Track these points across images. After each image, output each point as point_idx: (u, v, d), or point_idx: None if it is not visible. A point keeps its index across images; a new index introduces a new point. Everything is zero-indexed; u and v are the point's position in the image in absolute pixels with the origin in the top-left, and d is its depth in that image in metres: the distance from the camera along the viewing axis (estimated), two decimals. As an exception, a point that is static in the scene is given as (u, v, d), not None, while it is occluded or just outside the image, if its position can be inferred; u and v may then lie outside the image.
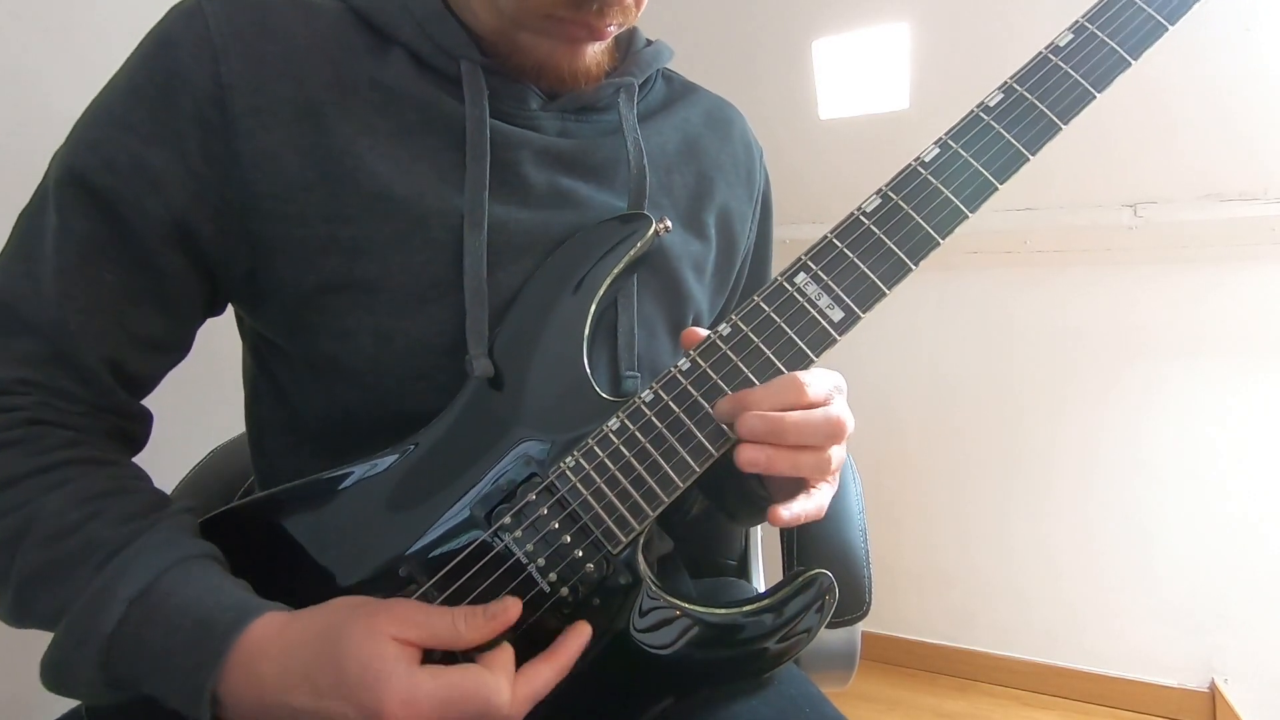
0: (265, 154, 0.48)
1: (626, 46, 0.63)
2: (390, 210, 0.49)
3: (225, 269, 0.51)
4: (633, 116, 0.58)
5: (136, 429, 0.52)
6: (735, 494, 0.62)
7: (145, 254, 0.48)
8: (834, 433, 0.46)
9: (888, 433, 1.66)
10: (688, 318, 0.61)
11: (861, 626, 0.67)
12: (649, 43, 0.64)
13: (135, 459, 0.51)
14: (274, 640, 0.40)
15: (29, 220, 0.48)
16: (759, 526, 0.89)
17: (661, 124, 0.62)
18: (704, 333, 0.50)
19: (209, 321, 0.56)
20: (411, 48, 0.52)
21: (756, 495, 0.58)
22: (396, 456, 0.50)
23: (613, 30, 0.52)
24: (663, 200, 0.60)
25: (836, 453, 0.47)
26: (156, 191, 0.47)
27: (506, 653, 0.42)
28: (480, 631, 0.42)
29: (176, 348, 0.53)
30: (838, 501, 0.74)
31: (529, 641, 0.45)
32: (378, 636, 0.39)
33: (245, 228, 0.49)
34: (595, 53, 0.55)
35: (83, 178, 0.46)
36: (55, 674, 0.41)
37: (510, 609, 0.44)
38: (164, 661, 0.40)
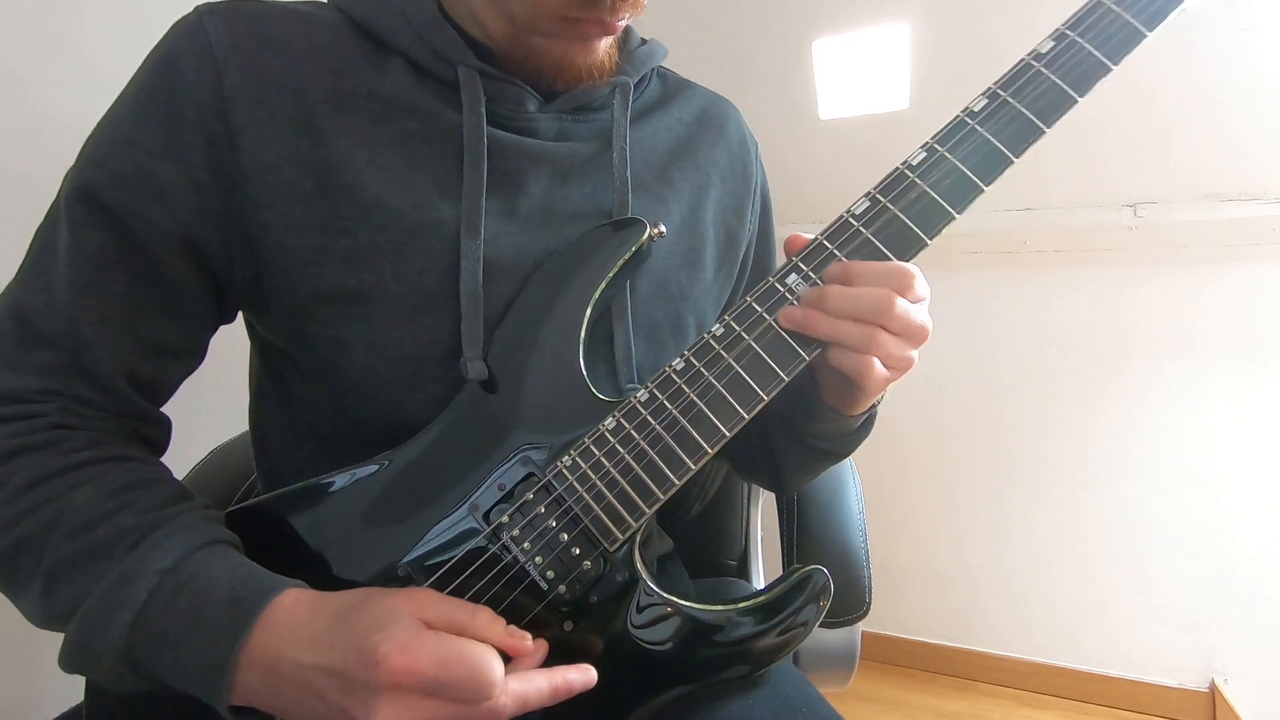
0: (266, 165, 0.49)
1: (621, 46, 0.63)
2: (385, 221, 0.50)
3: (231, 277, 0.51)
4: (624, 121, 0.59)
5: (156, 434, 0.53)
6: (788, 448, 0.63)
7: (155, 265, 0.49)
8: (882, 310, 0.47)
9: (887, 433, 1.65)
10: (688, 319, 0.61)
11: (861, 626, 0.67)
12: (643, 42, 0.64)
13: None
14: (303, 606, 0.41)
15: (42, 237, 0.49)
16: (759, 525, 0.90)
17: (656, 123, 0.63)
18: (809, 237, 0.51)
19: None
20: (409, 56, 0.53)
21: (807, 435, 0.59)
22: (395, 459, 0.51)
23: (624, 22, 0.53)
24: (666, 194, 0.61)
25: (893, 344, 0.48)
26: (163, 204, 0.48)
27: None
28: (492, 629, 0.42)
29: (190, 354, 0.54)
30: (837, 502, 0.75)
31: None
32: (394, 606, 0.40)
33: (247, 236, 0.50)
34: (607, 46, 0.56)
35: (92, 193, 0.47)
36: (78, 647, 0.41)
37: (527, 638, 0.44)
38: (190, 633, 0.40)
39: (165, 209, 0.48)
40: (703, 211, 0.63)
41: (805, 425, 0.58)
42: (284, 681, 0.40)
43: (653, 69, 0.64)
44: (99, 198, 0.47)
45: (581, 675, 0.44)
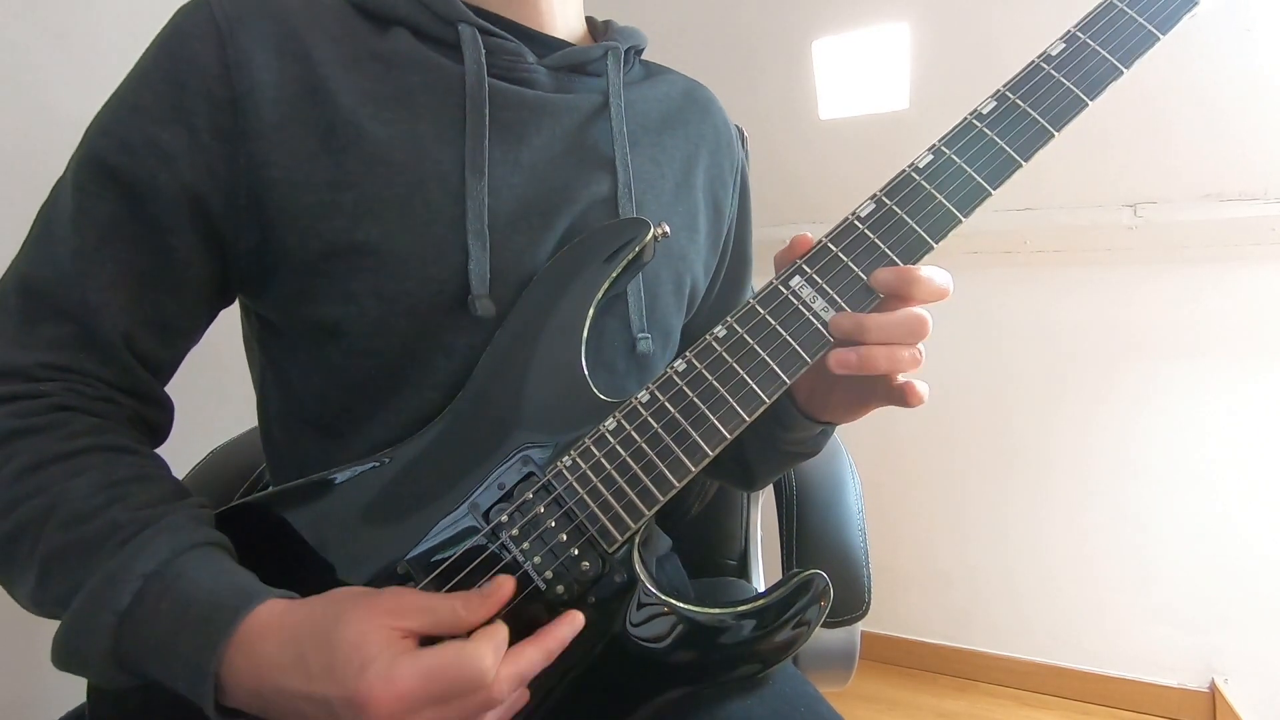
0: (271, 125, 0.49)
1: (603, 30, 0.66)
2: (391, 174, 0.51)
3: (235, 244, 0.52)
4: (619, 81, 0.61)
5: (158, 416, 0.54)
6: (758, 449, 0.64)
7: (160, 233, 0.49)
8: (924, 331, 0.48)
9: (887, 433, 1.66)
10: (685, 277, 0.63)
11: (861, 626, 0.67)
12: None
13: None
14: (276, 623, 0.41)
15: (47, 211, 0.50)
16: (759, 525, 0.90)
17: (647, 92, 0.65)
18: (814, 238, 0.52)
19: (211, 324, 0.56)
20: (410, 23, 0.55)
21: (781, 442, 0.60)
22: (396, 456, 0.51)
23: None
24: (660, 156, 0.63)
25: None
26: (169, 167, 0.48)
27: (499, 629, 0.42)
28: (479, 612, 0.43)
29: (188, 333, 0.54)
30: (837, 502, 0.75)
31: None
32: (372, 623, 0.39)
33: (254, 199, 0.50)
34: None
35: (99, 160, 0.48)
36: (67, 648, 0.42)
37: (504, 585, 0.44)
38: (172, 639, 0.41)
39: (170, 172, 0.48)
40: (694, 179, 0.65)
41: (780, 434, 0.60)
42: (271, 704, 0.40)
43: (635, 53, 0.66)
44: (106, 164, 0.48)
45: (569, 625, 0.45)
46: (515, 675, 0.41)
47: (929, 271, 0.48)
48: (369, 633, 0.39)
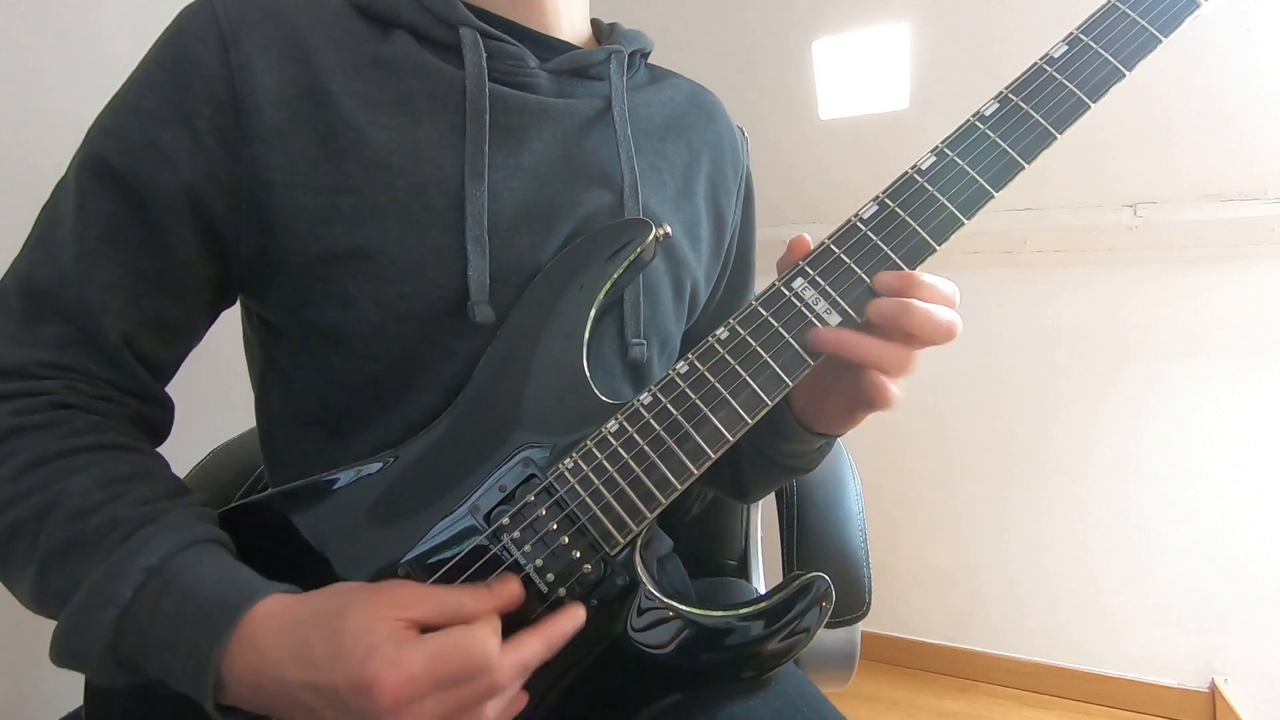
0: (272, 129, 0.49)
1: (607, 32, 0.66)
2: (390, 179, 0.51)
3: (235, 247, 0.52)
4: (622, 84, 0.60)
5: (158, 415, 0.54)
6: (752, 459, 0.64)
7: (160, 233, 0.49)
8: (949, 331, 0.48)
9: (887, 433, 1.66)
10: (686, 283, 0.63)
11: (861, 626, 0.67)
12: None
13: None
14: (278, 616, 0.41)
15: (49, 212, 0.50)
16: (759, 525, 0.90)
17: (650, 97, 0.65)
18: (812, 239, 0.51)
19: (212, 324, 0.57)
20: (411, 26, 0.55)
21: (778, 454, 0.60)
22: (397, 457, 0.51)
23: None
24: (661, 164, 0.62)
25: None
26: (170, 168, 0.48)
27: (498, 620, 0.43)
28: (484, 602, 0.43)
29: (189, 333, 0.54)
30: (837, 502, 0.75)
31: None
32: (376, 614, 0.40)
33: (254, 202, 0.50)
34: None
35: (100, 160, 0.48)
36: (67, 644, 0.42)
37: (510, 583, 0.45)
38: (173, 635, 0.41)
39: (171, 173, 0.48)
40: (696, 185, 0.65)
41: (777, 445, 0.60)
42: (272, 697, 0.40)
43: (640, 57, 0.66)
44: (107, 165, 0.48)
45: (571, 619, 0.45)
46: (518, 663, 0.41)
47: (931, 279, 0.48)
48: (373, 621, 0.39)
